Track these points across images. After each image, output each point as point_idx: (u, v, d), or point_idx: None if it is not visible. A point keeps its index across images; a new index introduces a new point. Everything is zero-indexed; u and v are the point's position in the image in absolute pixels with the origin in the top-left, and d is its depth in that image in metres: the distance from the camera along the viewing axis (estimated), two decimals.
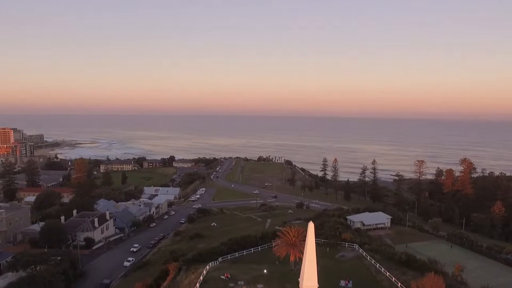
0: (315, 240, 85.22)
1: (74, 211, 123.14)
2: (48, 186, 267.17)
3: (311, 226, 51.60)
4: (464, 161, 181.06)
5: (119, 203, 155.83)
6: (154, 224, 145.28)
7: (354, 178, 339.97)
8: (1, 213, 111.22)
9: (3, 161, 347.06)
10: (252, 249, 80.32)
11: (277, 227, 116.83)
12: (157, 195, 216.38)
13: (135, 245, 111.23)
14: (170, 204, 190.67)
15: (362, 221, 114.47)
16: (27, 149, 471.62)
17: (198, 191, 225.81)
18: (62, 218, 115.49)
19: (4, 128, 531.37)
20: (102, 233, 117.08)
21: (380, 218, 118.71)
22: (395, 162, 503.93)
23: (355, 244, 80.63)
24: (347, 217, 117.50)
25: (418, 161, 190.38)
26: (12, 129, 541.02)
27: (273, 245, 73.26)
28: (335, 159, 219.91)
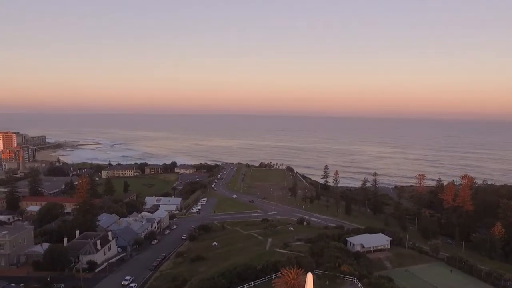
0: (315, 271, 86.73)
1: (77, 232, 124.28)
2: (51, 194, 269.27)
3: (309, 278, 52.50)
4: (464, 177, 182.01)
5: (121, 219, 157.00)
6: (155, 241, 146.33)
7: (354, 183, 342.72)
8: (5, 236, 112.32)
9: (6, 170, 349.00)
10: (253, 282, 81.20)
11: (278, 249, 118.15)
12: (159, 205, 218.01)
13: (126, 277, 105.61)
14: (172, 216, 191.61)
15: (362, 244, 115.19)
16: (30, 153, 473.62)
17: (200, 201, 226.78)
18: (65, 240, 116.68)
19: (7, 132, 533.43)
20: (104, 254, 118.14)
21: (380, 240, 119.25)
22: (396, 166, 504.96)
23: (354, 278, 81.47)
24: (347, 239, 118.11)
25: (419, 175, 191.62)
26: (15, 132, 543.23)
27: (273, 279, 74.20)
28: (336, 171, 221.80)
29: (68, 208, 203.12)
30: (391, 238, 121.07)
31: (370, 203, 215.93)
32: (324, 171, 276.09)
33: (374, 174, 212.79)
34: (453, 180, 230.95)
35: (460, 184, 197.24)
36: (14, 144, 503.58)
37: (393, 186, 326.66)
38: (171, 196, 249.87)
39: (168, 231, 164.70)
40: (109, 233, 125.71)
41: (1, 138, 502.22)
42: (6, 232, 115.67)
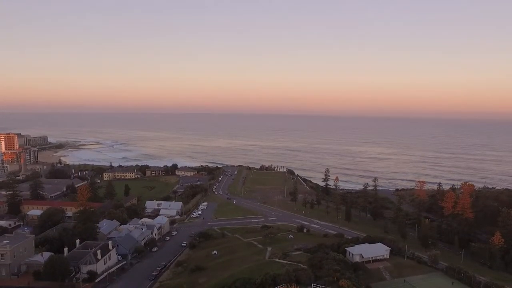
0: (313, 285, 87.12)
1: (77, 241, 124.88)
2: (52, 197, 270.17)
3: None
4: (464, 184, 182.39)
5: (121, 226, 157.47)
6: (156, 248, 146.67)
7: (355, 185, 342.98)
8: (6, 246, 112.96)
9: (8, 173, 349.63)
10: None
11: (277, 260, 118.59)
12: (159, 209, 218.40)
13: None
14: (172, 221, 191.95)
15: (361, 254, 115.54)
16: (31, 154, 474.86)
17: (200, 205, 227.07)
18: (66, 249, 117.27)
19: (9, 134, 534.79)
20: (105, 264, 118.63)
21: (379, 250, 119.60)
22: (397, 168, 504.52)
23: None
24: (347, 249, 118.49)
25: (419, 181, 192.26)
26: (17, 134, 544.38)
27: None
28: (337, 177, 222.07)
29: (69, 212, 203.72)
30: (390, 248, 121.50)
31: (370, 208, 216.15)
32: (324, 174, 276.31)
33: (375, 180, 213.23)
34: (453, 185, 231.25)
35: (461, 188, 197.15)
36: (16, 146, 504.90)
37: (394, 189, 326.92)
38: (172, 200, 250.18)
39: (168, 238, 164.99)
40: (110, 242, 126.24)
41: (3, 140, 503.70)
42: (7, 241, 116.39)
